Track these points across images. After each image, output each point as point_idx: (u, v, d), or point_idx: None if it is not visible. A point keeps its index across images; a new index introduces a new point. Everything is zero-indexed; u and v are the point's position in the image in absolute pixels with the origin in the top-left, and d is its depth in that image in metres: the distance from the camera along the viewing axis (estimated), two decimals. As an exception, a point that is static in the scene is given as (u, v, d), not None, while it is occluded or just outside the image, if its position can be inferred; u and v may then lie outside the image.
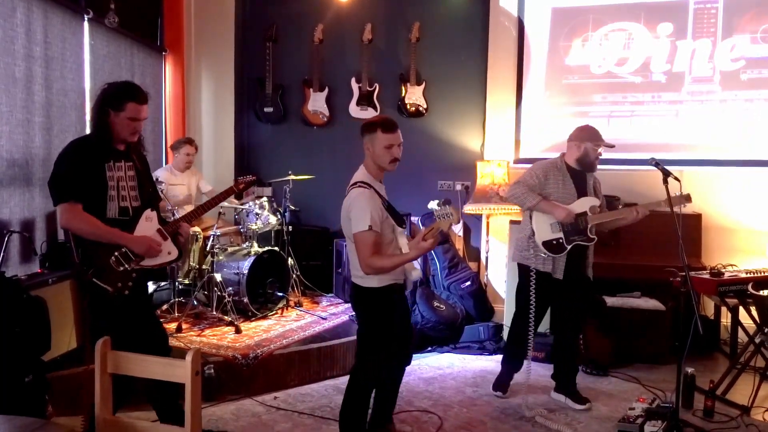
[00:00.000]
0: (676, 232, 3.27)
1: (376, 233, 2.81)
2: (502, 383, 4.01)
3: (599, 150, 3.75)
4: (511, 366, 3.99)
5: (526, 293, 3.74)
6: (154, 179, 4.74)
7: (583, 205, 3.74)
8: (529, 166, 5.84)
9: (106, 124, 2.80)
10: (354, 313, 3.18)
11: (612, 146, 3.79)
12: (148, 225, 2.91)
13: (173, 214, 4.67)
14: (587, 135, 3.76)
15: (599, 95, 5.64)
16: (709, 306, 5.10)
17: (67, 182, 2.72)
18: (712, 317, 5.02)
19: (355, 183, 2.95)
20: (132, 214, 2.88)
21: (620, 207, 4.35)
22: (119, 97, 2.79)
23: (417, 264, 3.01)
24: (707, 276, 4.05)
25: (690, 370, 3.82)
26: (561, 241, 3.70)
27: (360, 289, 2.99)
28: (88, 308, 2.85)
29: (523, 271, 3.82)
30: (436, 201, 2.69)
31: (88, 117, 4.86)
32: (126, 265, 2.77)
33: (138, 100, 2.82)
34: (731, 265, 4.35)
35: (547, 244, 3.70)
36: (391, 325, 3.01)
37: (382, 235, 2.87)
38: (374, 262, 2.79)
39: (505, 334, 5.00)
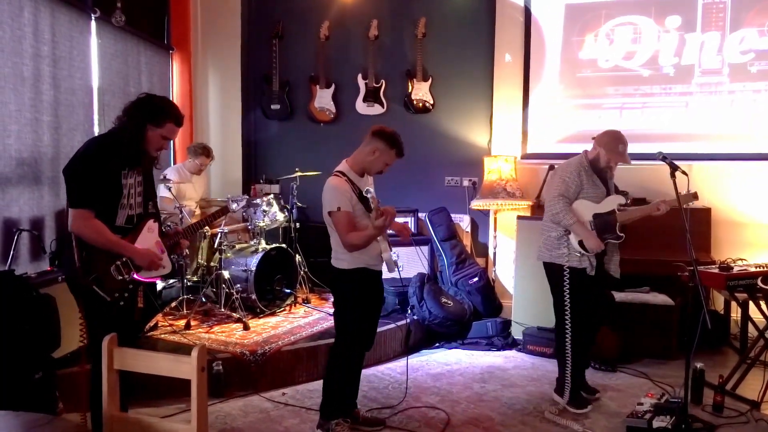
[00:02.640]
0: (685, 226, 3.25)
1: (348, 213, 3.08)
2: (577, 393, 3.75)
3: (610, 162, 3.70)
4: (577, 367, 3.76)
5: (561, 292, 3.64)
6: (162, 177, 4.80)
7: (612, 203, 3.69)
8: (537, 161, 5.80)
9: (140, 137, 2.77)
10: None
11: (624, 160, 3.72)
12: (149, 236, 2.88)
13: (180, 211, 4.69)
14: (603, 142, 3.70)
15: (612, 88, 5.69)
16: (719, 301, 5.07)
17: (85, 188, 2.67)
18: (722, 312, 4.99)
19: (333, 172, 3.20)
20: (135, 222, 2.86)
21: (630, 202, 4.31)
22: (161, 115, 2.78)
23: (389, 247, 3.18)
24: (716, 270, 4.02)
25: (699, 365, 3.80)
26: None
27: (335, 270, 3.25)
28: (83, 312, 2.81)
29: (556, 269, 3.69)
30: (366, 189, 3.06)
31: (96, 115, 4.90)
32: (125, 276, 2.76)
33: (177, 122, 2.85)
34: (741, 259, 4.31)
35: (582, 244, 3.62)
36: (360, 307, 3.24)
37: (355, 216, 3.12)
38: (349, 239, 3.07)
39: (513, 330, 5.00)
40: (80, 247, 2.68)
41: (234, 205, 3.91)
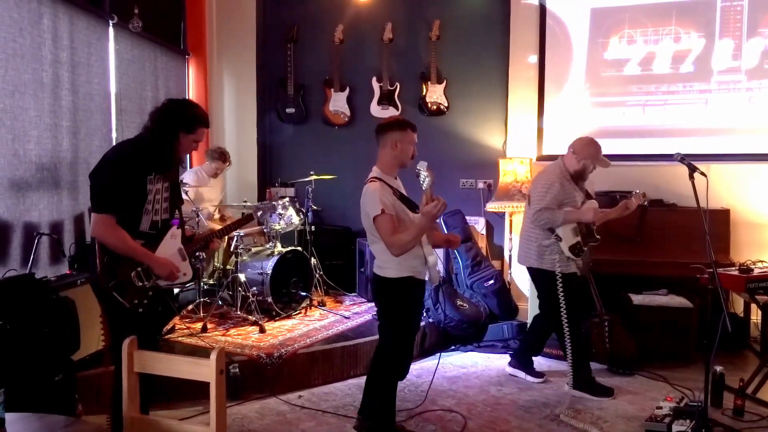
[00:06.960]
0: (703, 228, 3.22)
1: (391, 215, 2.98)
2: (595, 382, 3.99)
3: (594, 169, 3.95)
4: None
5: (555, 296, 3.84)
6: (180, 181, 4.83)
7: (589, 208, 3.91)
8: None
9: (173, 144, 2.82)
10: (375, 305, 3.31)
11: (607, 165, 3.93)
12: (172, 242, 2.90)
13: (197, 215, 4.73)
14: (588, 153, 3.89)
15: (635, 86, 5.73)
16: (738, 303, 5.00)
17: (109, 194, 2.68)
18: (742, 314, 4.93)
19: (367, 180, 3.14)
20: (160, 228, 2.87)
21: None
22: (193, 121, 2.84)
23: (434, 252, 3.15)
24: (736, 272, 3.97)
25: (719, 368, 3.75)
26: (580, 244, 3.86)
27: (380, 279, 3.15)
28: (105, 316, 2.84)
29: (548, 276, 3.89)
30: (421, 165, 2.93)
31: (113, 120, 4.95)
32: (145, 282, 2.76)
33: (207, 125, 2.93)
34: (761, 261, 4.26)
35: (572, 249, 3.84)
36: (408, 316, 3.18)
37: (398, 218, 3.04)
38: (396, 240, 2.94)
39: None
40: (102, 253, 2.69)
41: (259, 213, 3.96)
